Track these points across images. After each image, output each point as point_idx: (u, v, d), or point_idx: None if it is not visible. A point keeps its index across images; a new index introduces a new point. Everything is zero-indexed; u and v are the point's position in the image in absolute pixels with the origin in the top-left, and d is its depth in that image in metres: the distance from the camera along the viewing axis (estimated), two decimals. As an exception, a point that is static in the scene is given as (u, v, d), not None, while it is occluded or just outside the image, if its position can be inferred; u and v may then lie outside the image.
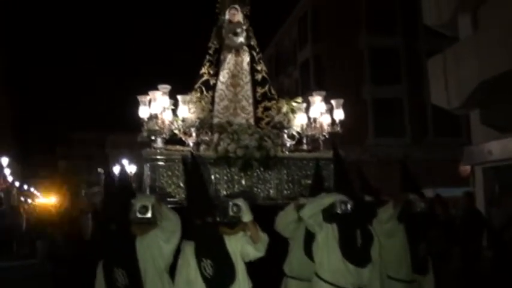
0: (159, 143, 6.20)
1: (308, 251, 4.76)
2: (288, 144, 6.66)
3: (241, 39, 7.09)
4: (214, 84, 7.02)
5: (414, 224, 5.04)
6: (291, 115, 6.71)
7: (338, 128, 6.54)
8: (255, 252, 4.06)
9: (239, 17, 7.20)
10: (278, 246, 4.71)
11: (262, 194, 6.35)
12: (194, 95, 6.71)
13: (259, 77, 7.19)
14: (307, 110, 6.79)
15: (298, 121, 6.72)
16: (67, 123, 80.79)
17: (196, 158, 4.81)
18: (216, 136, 6.38)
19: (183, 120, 6.33)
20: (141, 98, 6.10)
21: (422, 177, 8.12)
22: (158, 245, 4.15)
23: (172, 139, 6.49)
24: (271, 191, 6.40)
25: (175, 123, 6.32)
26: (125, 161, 25.24)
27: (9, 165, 28.97)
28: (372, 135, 25.52)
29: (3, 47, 36.53)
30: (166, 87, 6.20)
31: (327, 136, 6.59)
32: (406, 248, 5.03)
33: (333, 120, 6.58)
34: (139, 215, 4.04)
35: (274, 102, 7.08)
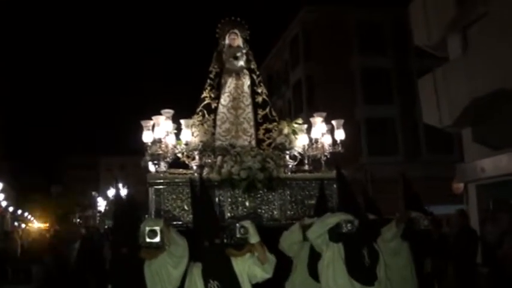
0: (163, 166, 6.25)
1: (312, 271, 4.78)
2: (290, 165, 6.72)
3: (241, 62, 7.21)
4: (216, 108, 7.09)
5: (418, 242, 5.10)
6: (292, 136, 6.77)
7: (339, 148, 6.60)
8: (262, 273, 4.07)
9: (239, 41, 7.34)
10: (281, 266, 4.74)
11: (266, 215, 6.35)
12: (196, 118, 6.79)
13: (259, 99, 7.27)
14: (308, 130, 6.87)
15: (300, 142, 6.78)
16: (60, 147, 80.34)
17: (204, 181, 4.88)
18: (219, 159, 6.42)
19: (186, 144, 6.37)
20: (144, 123, 6.14)
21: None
22: (167, 270, 4.16)
23: (175, 162, 6.56)
24: (275, 212, 6.40)
25: (178, 146, 6.37)
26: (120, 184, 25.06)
27: (2, 191, 28.80)
28: (366, 154, 25.68)
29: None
30: (169, 112, 6.27)
31: (328, 156, 6.67)
32: (411, 265, 5.09)
33: (334, 141, 6.65)
34: (148, 239, 4.04)
35: (275, 123, 7.14)
